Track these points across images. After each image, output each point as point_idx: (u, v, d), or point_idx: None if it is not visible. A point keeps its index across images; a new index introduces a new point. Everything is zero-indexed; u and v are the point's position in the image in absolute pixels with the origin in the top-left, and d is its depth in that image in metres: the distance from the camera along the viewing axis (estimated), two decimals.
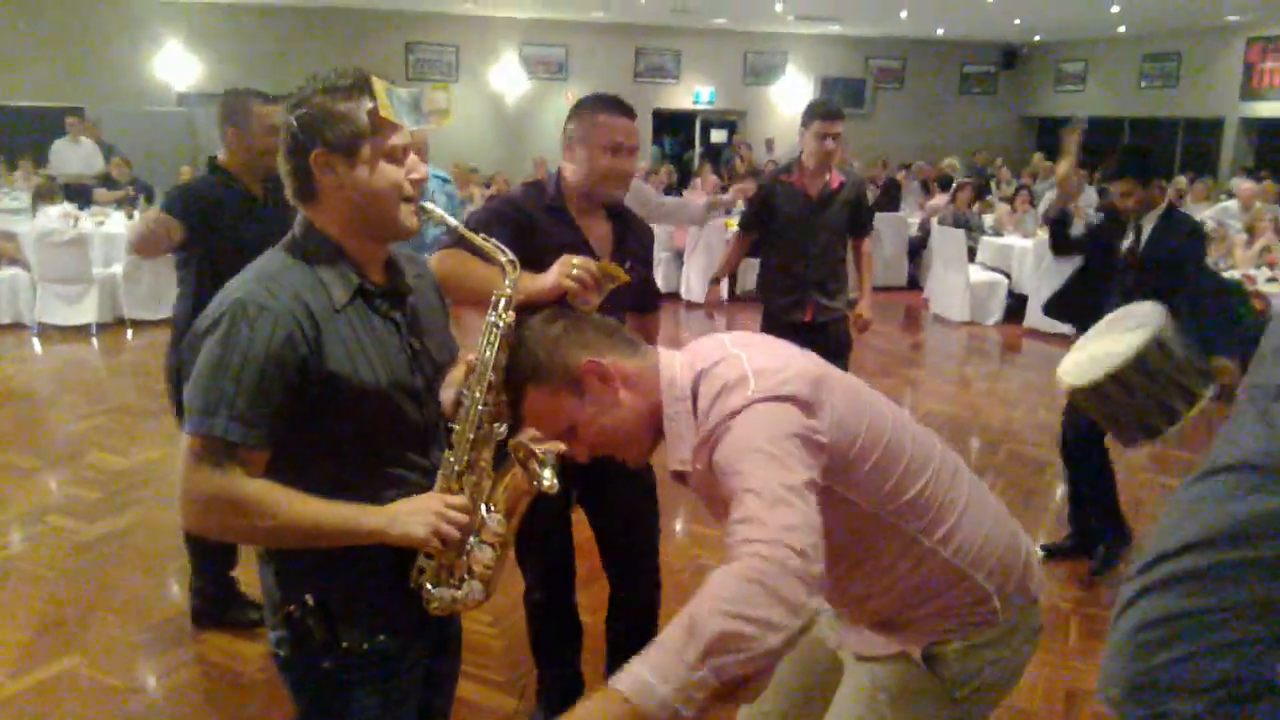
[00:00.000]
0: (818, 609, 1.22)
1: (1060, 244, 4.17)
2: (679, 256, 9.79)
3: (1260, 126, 14.28)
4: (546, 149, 14.61)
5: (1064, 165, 4.19)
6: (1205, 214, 9.47)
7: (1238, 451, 0.99)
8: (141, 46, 13.22)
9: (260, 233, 3.13)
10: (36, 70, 12.35)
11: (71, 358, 7.49)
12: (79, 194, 9.72)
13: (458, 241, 2.06)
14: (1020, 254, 9.12)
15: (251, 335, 1.42)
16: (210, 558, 3.40)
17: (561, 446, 1.65)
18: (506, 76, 15.34)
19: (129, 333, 8.09)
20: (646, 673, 1.13)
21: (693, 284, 9.53)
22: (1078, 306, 4.02)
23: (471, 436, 1.59)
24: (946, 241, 9.26)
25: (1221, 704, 0.96)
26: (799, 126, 4.37)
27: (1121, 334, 3.16)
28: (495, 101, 15.33)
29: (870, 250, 4.67)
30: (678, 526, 4.34)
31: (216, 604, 3.44)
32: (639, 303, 2.68)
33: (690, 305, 9.45)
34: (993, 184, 13.46)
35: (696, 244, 9.41)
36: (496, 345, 1.60)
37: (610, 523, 2.73)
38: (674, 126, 17.33)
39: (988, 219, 10.17)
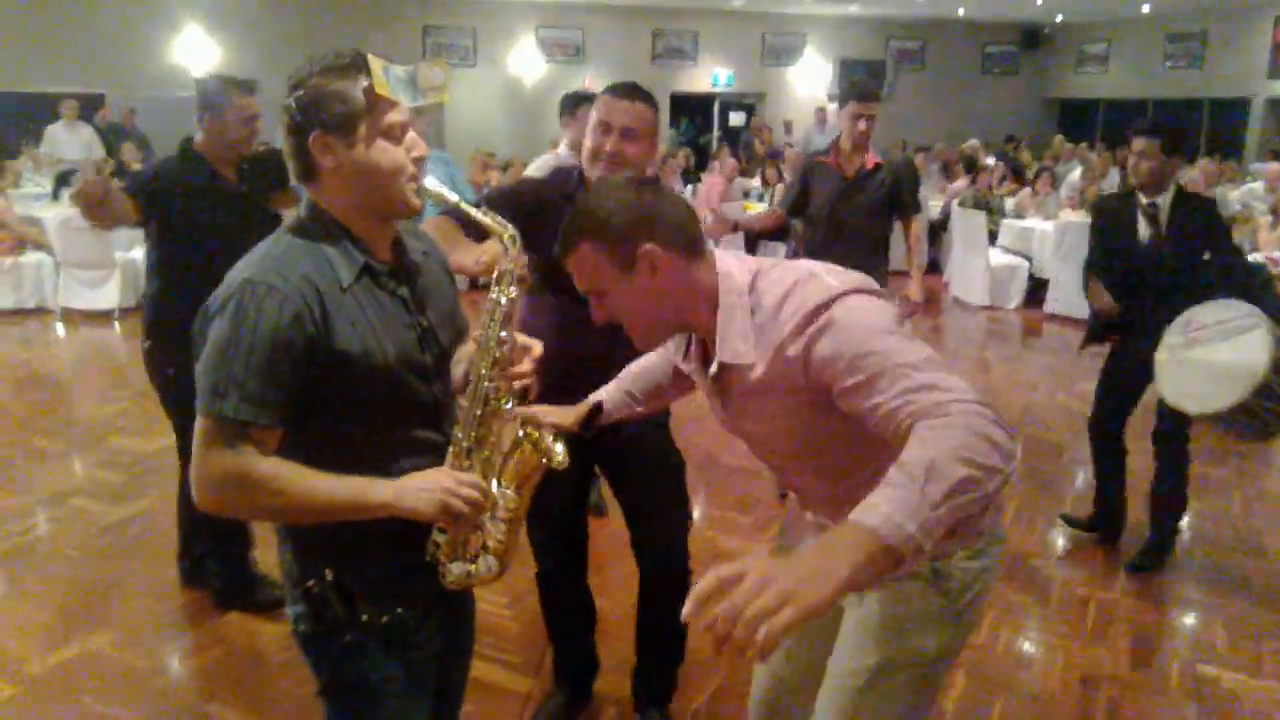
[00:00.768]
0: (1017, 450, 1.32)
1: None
2: None
3: None
4: (563, 133, 14.60)
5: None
6: (1231, 196, 9.36)
7: None
8: (161, 31, 13.27)
9: (232, 219, 3.16)
10: (56, 56, 12.42)
11: (94, 342, 7.56)
12: (68, 180, 9.76)
13: (450, 213, 2.07)
14: (1041, 237, 9.03)
15: (260, 315, 1.42)
16: (226, 542, 3.44)
17: (563, 422, 1.75)
18: (524, 59, 15.32)
19: None
20: (892, 510, 1.18)
21: None
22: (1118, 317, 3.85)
23: (479, 412, 1.60)
24: (967, 224, 9.19)
25: None
26: (835, 108, 4.39)
27: (1222, 343, 3.12)
28: (513, 85, 15.31)
29: (919, 231, 4.63)
30: (695, 511, 4.35)
31: (240, 588, 3.48)
32: None
33: None
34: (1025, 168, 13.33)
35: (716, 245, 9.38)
36: (500, 321, 1.60)
37: (639, 503, 2.69)
38: (692, 109, 17.25)
39: (1009, 202, 10.08)
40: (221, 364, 1.43)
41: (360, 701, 1.65)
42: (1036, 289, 8.92)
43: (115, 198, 3.05)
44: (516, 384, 1.67)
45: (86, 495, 4.47)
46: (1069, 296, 8.47)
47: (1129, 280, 3.75)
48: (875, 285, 1.55)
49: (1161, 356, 3.35)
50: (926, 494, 1.20)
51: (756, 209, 9.87)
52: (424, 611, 1.68)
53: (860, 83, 4.52)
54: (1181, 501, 3.89)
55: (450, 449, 1.61)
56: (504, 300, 1.61)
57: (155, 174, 3.25)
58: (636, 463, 2.61)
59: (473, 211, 1.66)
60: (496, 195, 2.50)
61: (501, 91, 15.35)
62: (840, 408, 1.46)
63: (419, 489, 1.52)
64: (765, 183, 9.88)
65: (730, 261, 1.60)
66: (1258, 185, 9.62)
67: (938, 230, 10.66)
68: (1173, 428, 3.71)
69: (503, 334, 1.61)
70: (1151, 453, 3.86)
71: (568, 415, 1.88)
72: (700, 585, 1.10)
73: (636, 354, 2.48)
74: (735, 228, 4.93)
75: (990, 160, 12.06)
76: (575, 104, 4.46)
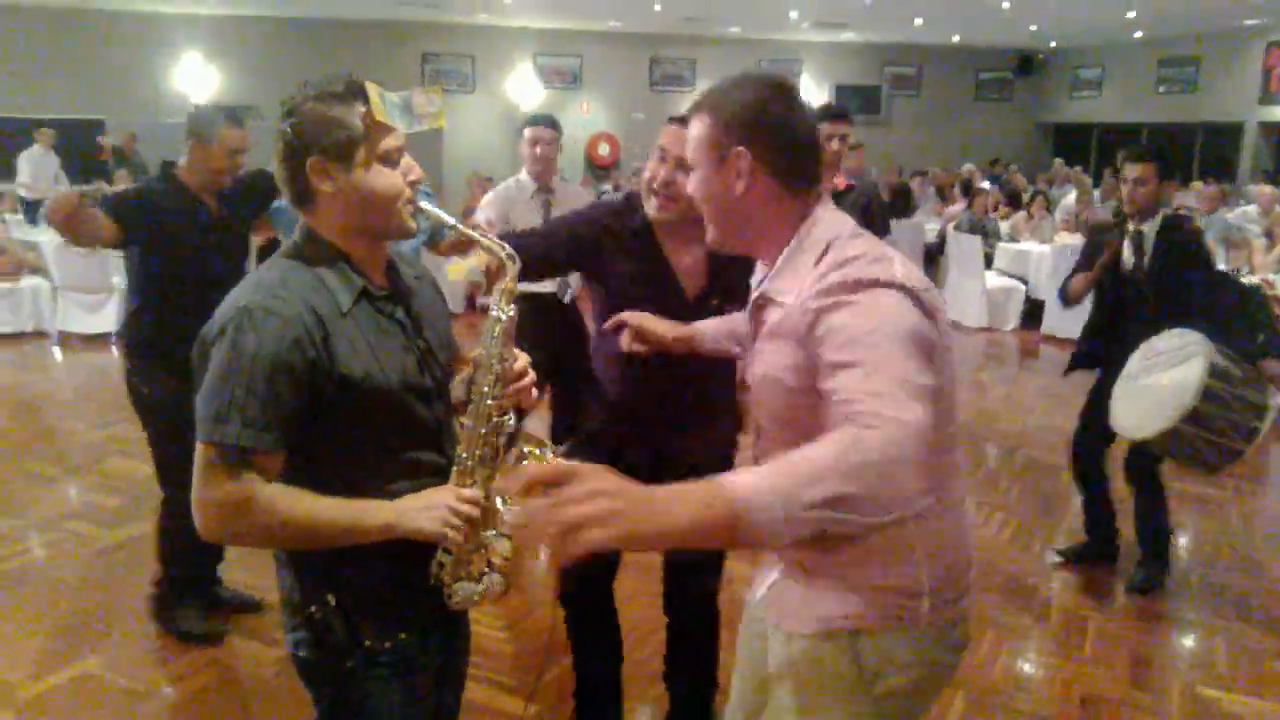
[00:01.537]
0: (921, 508, 1.20)
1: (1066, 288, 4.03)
2: None
3: None
4: (562, 159, 14.68)
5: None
6: (1229, 217, 9.41)
7: None
8: (160, 59, 13.38)
9: (209, 246, 3.17)
10: (56, 83, 12.50)
11: (92, 366, 7.56)
12: (34, 208, 9.80)
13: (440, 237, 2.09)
14: (1037, 259, 9.08)
15: (259, 340, 1.42)
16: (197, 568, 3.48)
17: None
18: (522, 86, 15.43)
19: None
20: (766, 489, 1.12)
21: None
22: (1100, 345, 3.87)
23: (482, 430, 1.60)
24: (963, 247, 9.23)
25: None
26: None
27: (1167, 370, 3.13)
28: (511, 111, 15.41)
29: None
30: None
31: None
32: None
33: None
34: (1008, 191, 13.41)
35: None
36: (501, 338, 1.61)
37: None
38: None
39: (1004, 225, 10.14)
40: (222, 390, 1.42)
41: None
42: (1033, 311, 8.95)
43: (90, 216, 3.00)
44: (521, 399, 1.67)
45: (82, 519, 4.45)
46: (1066, 318, 8.50)
47: (1113, 309, 3.77)
48: (938, 299, 1.43)
49: (1119, 383, 3.38)
50: (804, 492, 1.13)
51: None
52: (424, 636, 1.67)
53: (832, 104, 4.54)
54: (1165, 526, 3.90)
55: (454, 468, 1.61)
56: (504, 317, 1.62)
57: (138, 194, 3.25)
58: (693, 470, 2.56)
59: (471, 232, 1.67)
60: (551, 230, 2.41)
61: (499, 117, 15.44)
62: (817, 384, 1.37)
63: (422, 509, 1.51)
64: None
65: (828, 213, 1.54)
66: (1251, 209, 9.67)
67: (934, 254, 10.71)
68: (1141, 459, 3.72)
69: (503, 351, 1.61)
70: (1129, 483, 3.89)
71: (667, 329, 2.03)
72: (539, 469, 1.10)
73: (703, 395, 2.44)
74: None
75: (985, 184, 12.13)
76: (521, 128, 4.53)
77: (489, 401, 1.60)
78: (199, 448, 1.44)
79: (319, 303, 1.48)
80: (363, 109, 1.49)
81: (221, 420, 1.41)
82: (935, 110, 17.75)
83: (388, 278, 1.63)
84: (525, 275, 2.11)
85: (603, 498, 1.05)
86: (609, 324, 2.11)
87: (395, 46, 14.39)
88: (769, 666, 1.62)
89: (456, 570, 1.62)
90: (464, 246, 3.80)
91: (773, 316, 1.52)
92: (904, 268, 1.42)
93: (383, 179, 1.51)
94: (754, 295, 1.60)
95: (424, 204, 1.59)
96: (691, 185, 1.58)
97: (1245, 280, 6.69)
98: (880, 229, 4.51)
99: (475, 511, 1.55)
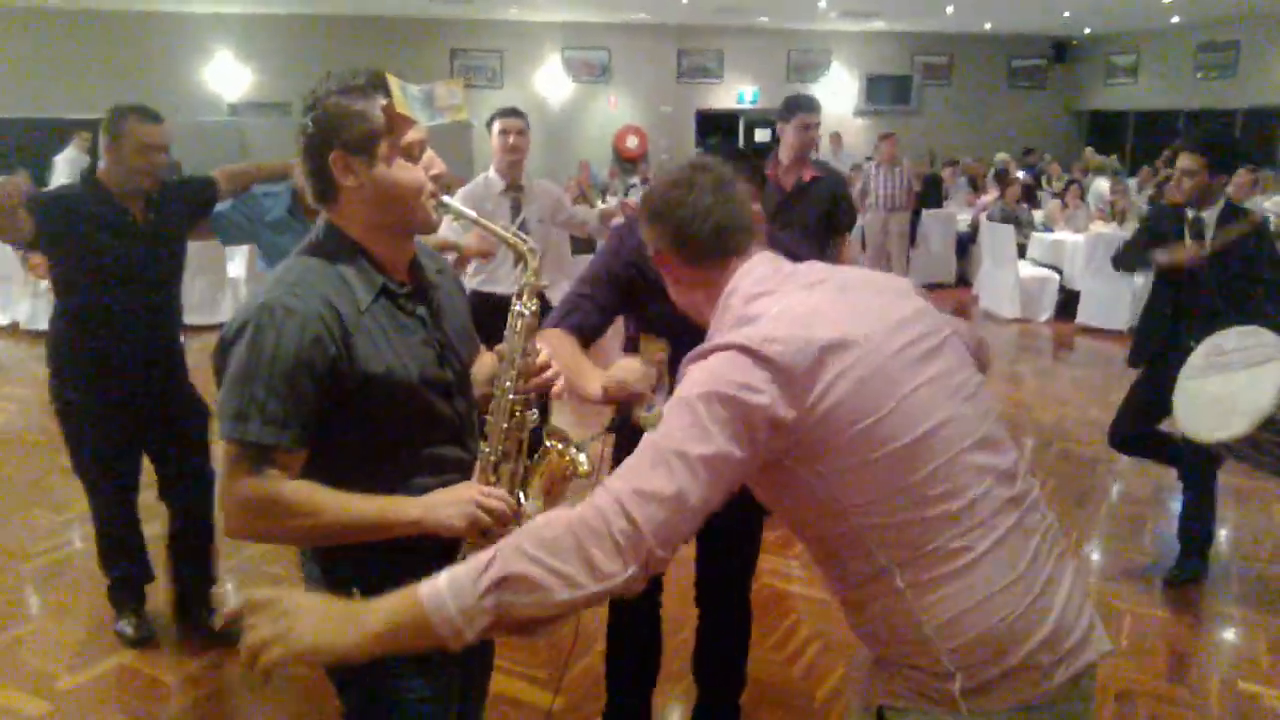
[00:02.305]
0: (631, 578, 1.21)
1: (1125, 256, 3.95)
2: None
3: None
4: (590, 153, 14.67)
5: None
6: (1265, 205, 9.22)
7: None
8: (192, 58, 13.51)
9: (131, 253, 3.06)
10: (91, 85, 12.66)
11: None
12: None
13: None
14: (1072, 249, 8.94)
15: (279, 338, 1.42)
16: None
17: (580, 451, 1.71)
18: (550, 80, 15.43)
19: (181, 338, 8.22)
20: (444, 585, 1.19)
21: None
22: (1158, 336, 3.78)
23: (505, 425, 1.60)
24: (996, 237, 9.12)
25: None
26: (778, 122, 4.37)
27: (1239, 371, 3.05)
28: (539, 106, 15.41)
29: (848, 249, 4.64)
30: None
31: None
32: None
33: None
34: (1044, 180, 13.24)
35: None
36: (523, 334, 1.60)
37: (715, 532, 2.62)
38: (718, 127, 17.28)
39: (1038, 215, 10.01)
40: (243, 388, 1.42)
41: (387, 718, 1.63)
42: (1068, 301, 8.82)
43: (22, 213, 2.90)
44: (545, 393, 1.67)
45: None
46: (1101, 308, 8.37)
47: (1174, 297, 3.66)
48: (803, 349, 1.31)
49: (1181, 380, 3.27)
50: (479, 580, 1.17)
51: None
52: None
53: (798, 94, 4.54)
54: (1210, 529, 3.82)
55: (477, 463, 1.60)
56: (526, 313, 1.61)
57: (58, 196, 3.12)
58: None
59: (493, 226, 1.67)
60: (594, 273, 2.36)
61: (528, 112, 15.37)
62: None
63: (447, 504, 1.51)
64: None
65: (753, 272, 1.48)
66: None
67: (966, 244, 10.60)
68: (1196, 457, 3.61)
69: (525, 345, 1.61)
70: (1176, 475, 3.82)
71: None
72: (236, 601, 1.18)
73: None
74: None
75: (1020, 174, 11.98)
76: (490, 121, 4.31)
77: (511, 396, 1.60)
78: (224, 447, 1.45)
79: (339, 299, 1.48)
80: (384, 102, 1.48)
81: (243, 418, 1.42)
82: (967, 99, 17.53)
83: (410, 273, 1.62)
84: (587, 339, 2.13)
85: (285, 618, 1.17)
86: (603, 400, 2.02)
87: (424, 43, 14.44)
88: None
89: None
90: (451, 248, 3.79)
91: None
92: (776, 315, 1.36)
93: (405, 173, 1.51)
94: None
95: (446, 199, 1.58)
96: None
97: None
98: (845, 220, 4.52)
99: (500, 505, 1.54)
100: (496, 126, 4.21)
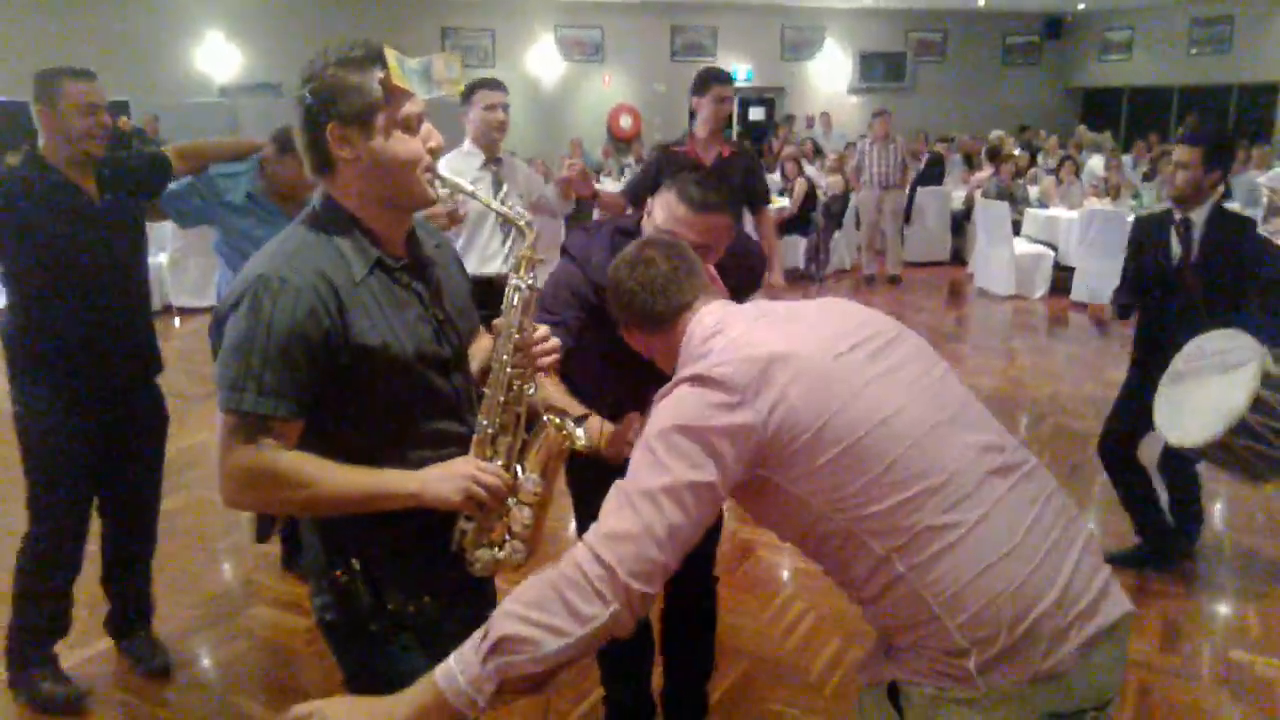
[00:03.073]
0: (616, 616, 1.30)
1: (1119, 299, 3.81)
2: None
3: None
4: (583, 132, 14.62)
5: None
6: (1260, 180, 9.23)
7: None
8: (182, 39, 13.42)
9: (93, 233, 2.76)
10: (79, 64, 12.57)
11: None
12: None
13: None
14: (1066, 226, 8.94)
15: (275, 309, 1.42)
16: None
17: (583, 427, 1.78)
18: (543, 59, 15.36)
19: (176, 320, 8.24)
20: (453, 661, 1.30)
21: None
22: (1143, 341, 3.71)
23: (502, 399, 1.60)
24: (990, 214, 9.12)
25: None
26: (693, 96, 4.38)
27: (1216, 375, 3.01)
28: (532, 85, 15.36)
29: (771, 220, 4.70)
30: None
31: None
32: None
33: None
34: (1040, 156, 13.22)
35: None
36: (520, 307, 1.60)
37: None
38: None
39: (1033, 191, 10.01)
40: (238, 359, 1.43)
41: (386, 691, 1.63)
42: (1062, 278, 8.83)
43: None
44: (541, 365, 1.68)
45: None
46: (1095, 285, 8.38)
47: (1158, 301, 3.58)
48: (747, 364, 1.41)
49: (1161, 385, 3.23)
50: (480, 648, 1.29)
51: (778, 203, 9.85)
52: (449, 601, 1.68)
53: (711, 68, 4.56)
54: (1197, 525, 3.79)
55: (474, 436, 1.61)
56: (524, 286, 1.61)
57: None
58: None
59: (490, 200, 1.67)
60: (554, 289, 2.29)
61: (520, 91, 15.36)
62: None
63: (444, 478, 1.52)
64: (785, 176, 9.86)
65: (705, 320, 1.59)
66: None
67: (960, 221, 10.60)
68: (1179, 458, 3.51)
69: (523, 320, 1.61)
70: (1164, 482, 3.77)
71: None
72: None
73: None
74: (594, 195, 4.72)
75: (1018, 150, 11.96)
76: (470, 92, 4.08)
77: (508, 370, 1.60)
78: (220, 418, 1.46)
79: (334, 272, 1.48)
80: (382, 75, 1.48)
81: (238, 388, 1.43)
82: (961, 76, 17.49)
83: (407, 247, 1.62)
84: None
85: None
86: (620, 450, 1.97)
87: (415, 21, 14.35)
88: None
89: (478, 538, 1.63)
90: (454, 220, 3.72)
91: None
92: (720, 354, 1.47)
93: (401, 145, 1.50)
94: None
95: (442, 172, 1.58)
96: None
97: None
98: (762, 192, 4.59)
99: (496, 480, 1.55)
100: (480, 99, 4.02)
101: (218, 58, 13.57)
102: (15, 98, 12.43)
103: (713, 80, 4.31)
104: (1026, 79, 17.99)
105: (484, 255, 4.00)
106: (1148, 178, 10.79)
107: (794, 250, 9.71)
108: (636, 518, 1.33)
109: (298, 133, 1.52)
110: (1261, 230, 5.48)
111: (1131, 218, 4.55)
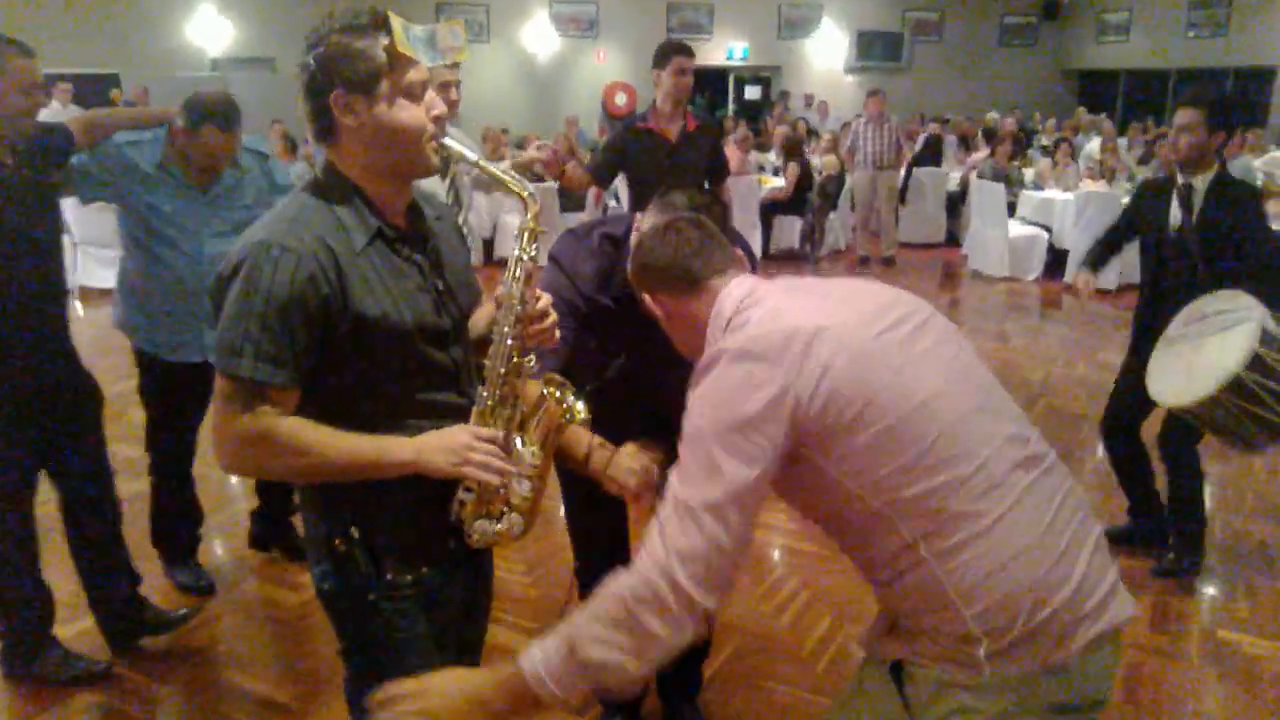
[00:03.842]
0: (691, 634, 1.35)
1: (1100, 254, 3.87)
2: None
3: None
4: (578, 108, 14.54)
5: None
6: (1255, 164, 9.23)
7: None
8: (174, 11, 13.27)
9: (10, 210, 2.57)
10: (71, 38, 12.43)
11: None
12: None
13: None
14: (1061, 208, 8.93)
15: (274, 276, 1.42)
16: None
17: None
18: (537, 35, 15.25)
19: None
20: (542, 666, 1.35)
21: None
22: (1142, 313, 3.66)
23: (502, 370, 1.60)
24: (986, 196, 9.10)
25: None
26: (653, 69, 4.34)
27: (1213, 335, 2.91)
28: (527, 61, 15.25)
29: (731, 194, 4.71)
30: None
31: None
32: None
33: None
34: (1037, 138, 13.19)
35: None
36: (522, 279, 1.60)
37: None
38: (707, 84, 17.14)
39: (1028, 173, 9.99)
40: (236, 324, 1.43)
41: (383, 660, 1.64)
42: (1057, 260, 8.84)
43: None
44: (541, 340, 1.67)
45: None
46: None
47: (1156, 269, 3.53)
48: (785, 339, 1.39)
49: (1157, 348, 3.16)
50: (568, 664, 1.34)
51: (771, 183, 9.82)
52: (447, 571, 1.69)
53: (670, 39, 4.56)
54: (1201, 511, 3.63)
55: (474, 408, 1.61)
56: (525, 258, 1.61)
57: None
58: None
59: (491, 168, 1.65)
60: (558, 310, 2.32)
61: (515, 68, 15.28)
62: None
63: (440, 446, 1.52)
64: (785, 156, 9.82)
65: (733, 293, 1.57)
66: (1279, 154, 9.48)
67: (955, 202, 10.58)
68: (1178, 433, 3.44)
69: (525, 291, 1.60)
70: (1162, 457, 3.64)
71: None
72: (379, 693, 1.42)
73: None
74: (561, 174, 4.64)
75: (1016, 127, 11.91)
76: None
77: (509, 342, 1.60)
78: (217, 382, 1.47)
79: (334, 240, 1.48)
80: (386, 42, 1.47)
81: (236, 353, 1.43)
82: (958, 57, 17.42)
83: (408, 218, 1.61)
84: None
85: (422, 698, 1.39)
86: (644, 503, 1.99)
87: None
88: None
89: (477, 509, 1.63)
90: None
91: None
92: (757, 326, 1.45)
93: (405, 113, 1.49)
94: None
95: (447, 140, 1.57)
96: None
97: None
98: (722, 170, 4.56)
99: (492, 449, 1.55)
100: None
101: (210, 30, 13.43)
102: None
103: (673, 52, 4.26)
104: (1023, 60, 17.93)
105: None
106: (1144, 161, 10.79)
107: (789, 231, 9.69)
108: (701, 534, 1.34)
109: (300, 99, 1.50)
110: None
111: (1125, 201, 4.53)
